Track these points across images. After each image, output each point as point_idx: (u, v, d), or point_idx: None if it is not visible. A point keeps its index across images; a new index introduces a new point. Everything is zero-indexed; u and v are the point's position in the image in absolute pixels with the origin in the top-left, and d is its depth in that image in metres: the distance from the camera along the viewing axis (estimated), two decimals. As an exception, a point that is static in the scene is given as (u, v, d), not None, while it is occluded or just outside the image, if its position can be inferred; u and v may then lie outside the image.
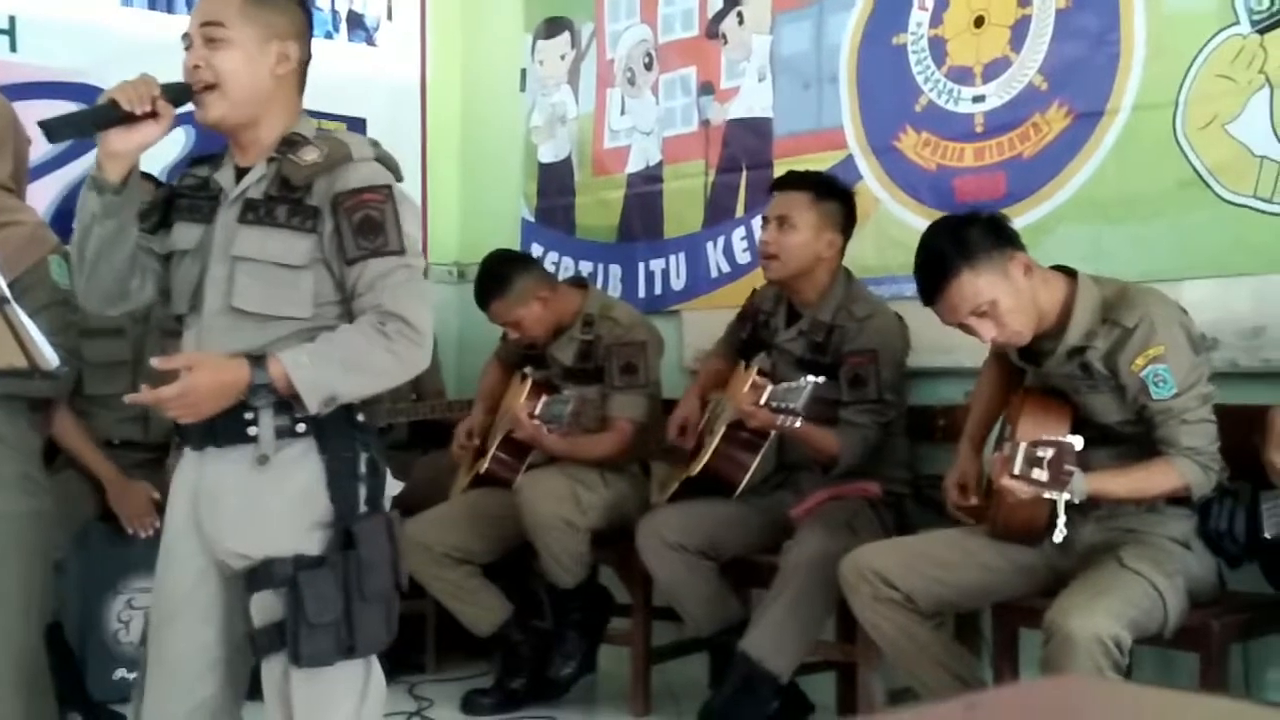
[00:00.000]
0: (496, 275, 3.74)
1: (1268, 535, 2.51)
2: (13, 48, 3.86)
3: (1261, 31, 2.94)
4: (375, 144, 2.23)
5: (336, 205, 2.10)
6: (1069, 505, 2.39)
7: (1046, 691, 1.05)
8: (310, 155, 2.13)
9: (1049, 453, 2.32)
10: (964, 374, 3.21)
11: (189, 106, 3.91)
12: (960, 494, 2.87)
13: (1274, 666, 2.80)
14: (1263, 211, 2.93)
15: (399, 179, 2.21)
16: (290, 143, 2.16)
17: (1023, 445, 2.35)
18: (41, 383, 2.39)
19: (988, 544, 2.74)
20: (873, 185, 3.66)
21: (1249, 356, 2.95)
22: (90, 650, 3.44)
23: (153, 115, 2.08)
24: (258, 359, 2.06)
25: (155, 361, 2.08)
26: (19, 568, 2.46)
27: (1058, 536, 2.37)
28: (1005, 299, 2.60)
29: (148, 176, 3.56)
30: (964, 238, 2.61)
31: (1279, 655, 2.74)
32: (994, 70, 3.42)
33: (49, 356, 2.08)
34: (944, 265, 2.61)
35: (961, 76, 3.49)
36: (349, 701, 2.12)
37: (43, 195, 3.78)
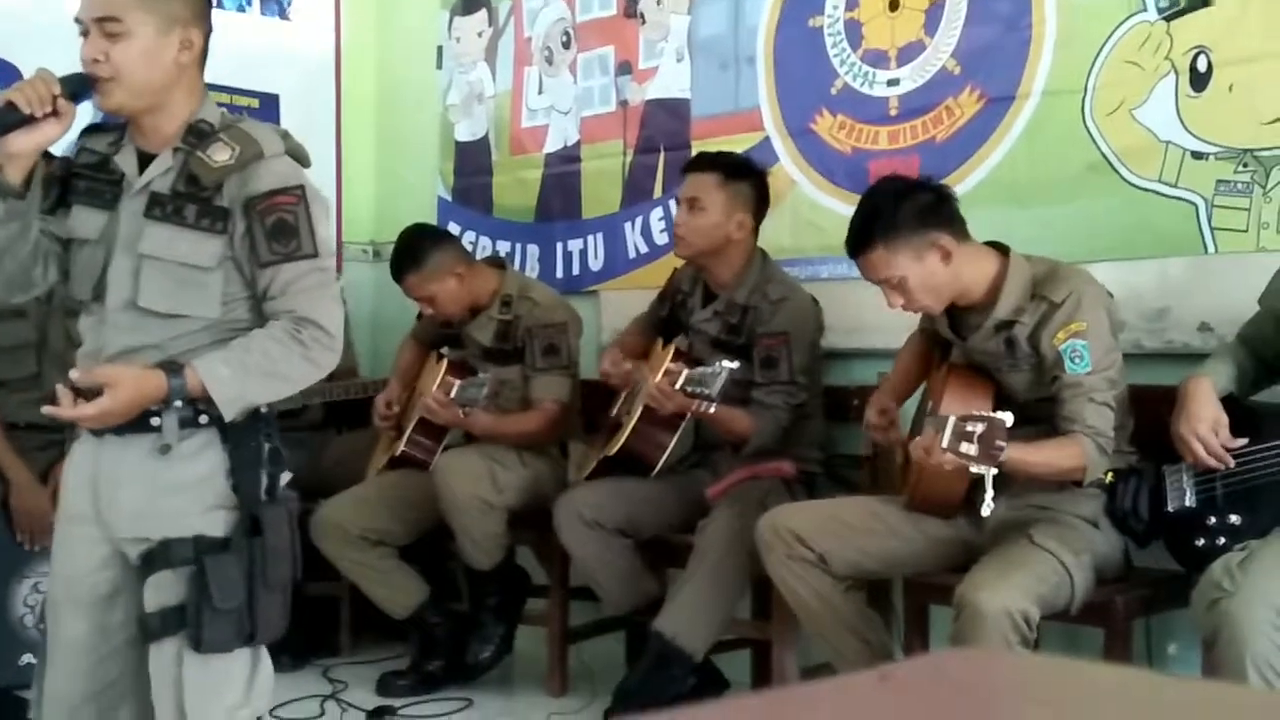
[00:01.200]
0: (412, 249, 3.71)
1: (1170, 509, 2.57)
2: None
3: (1168, 19, 2.99)
4: (285, 135, 2.20)
5: (249, 208, 2.09)
6: (995, 479, 2.42)
7: (958, 662, 1.07)
8: (221, 155, 2.10)
9: (979, 427, 2.34)
10: (878, 355, 3.25)
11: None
12: (879, 416, 2.89)
13: (1174, 639, 2.88)
14: (1167, 196, 3.00)
15: (307, 166, 2.20)
16: (198, 134, 2.12)
17: (952, 419, 2.38)
18: None
19: (903, 515, 2.79)
20: (789, 167, 3.69)
21: (1153, 338, 3.02)
22: (-10, 635, 3.37)
23: (53, 114, 2.04)
24: (174, 368, 2.05)
25: (75, 376, 2.06)
26: None
27: (986, 510, 2.40)
28: (915, 279, 2.65)
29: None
30: (891, 213, 2.66)
31: (1179, 629, 2.81)
32: (909, 54, 3.45)
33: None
34: (866, 235, 2.68)
35: (877, 60, 3.52)
36: (237, 687, 2.11)
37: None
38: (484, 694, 3.64)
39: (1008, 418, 2.35)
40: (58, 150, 2.17)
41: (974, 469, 2.37)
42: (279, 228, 2.09)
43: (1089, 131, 3.11)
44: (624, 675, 3.34)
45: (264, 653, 2.15)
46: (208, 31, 2.19)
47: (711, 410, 3.03)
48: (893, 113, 3.48)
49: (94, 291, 2.14)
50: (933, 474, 2.57)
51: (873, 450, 3.26)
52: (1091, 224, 3.12)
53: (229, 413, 2.06)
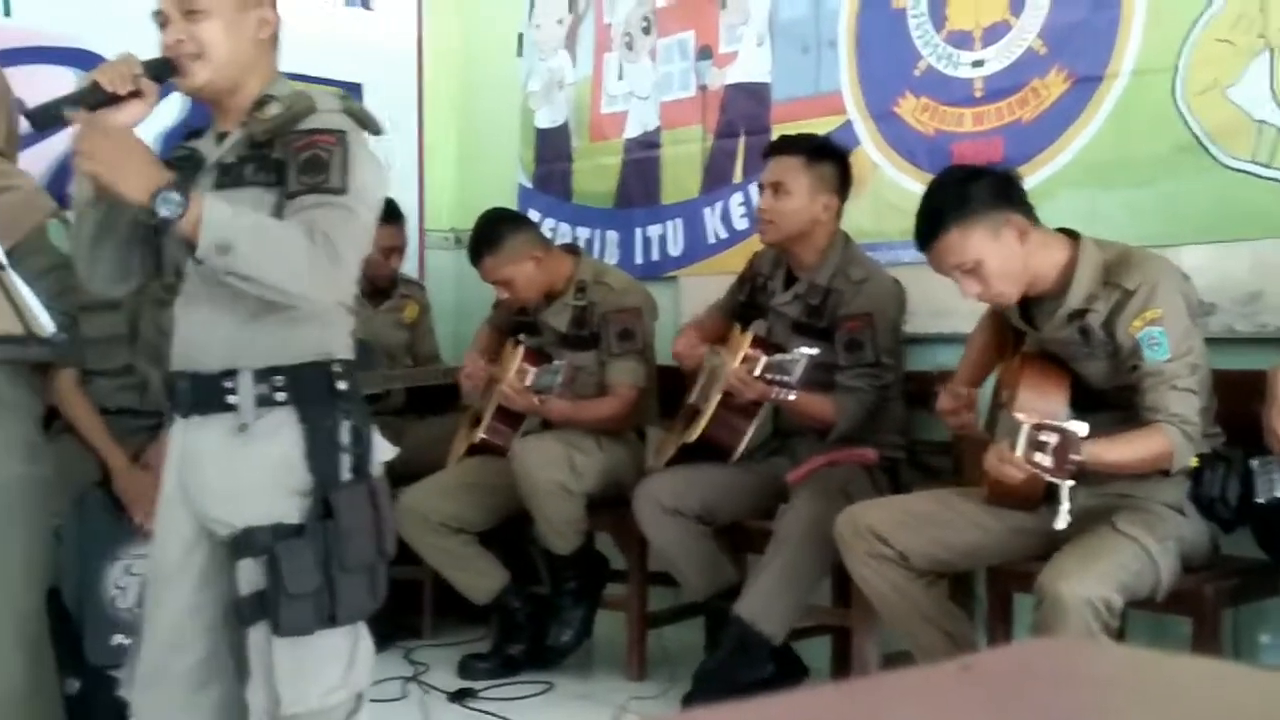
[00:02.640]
0: (490, 232, 3.73)
1: (1260, 500, 2.51)
2: (6, 12, 3.84)
3: (1262, -6, 2.92)
4: (345, 97, 2.21)
5: (288, 145, 2.08)
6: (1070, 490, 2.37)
7: (1040, 652, 1.05)
8: (272, 110, 2.11)
9: (1054, 439, 2.28)
10: (960, 340, 3.20)
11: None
12: (950, 401, 2.84)
13: (1264, 630, 2.81)
14: (1261, 176, 2.92)
15: (375, 132, 2.18)
16: (261, 104, 2.15)
17: (1026, 427, 2.32)
18: (40, 349, 2.39)
19: (982, 506, 2.75)
20: (871, 150, 3.65)
21: (1246, 322, 2.95)
22: (87, 616, 3.44)
23: (136, 94, 2.07)
24: (183, 178, 2.00)
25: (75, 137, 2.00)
26: (21, 533, 2.46)
27: (1060, 523, 2.32)
28: (992, 261, 2.59)
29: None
30: (964, 194, 2.60)
31: (1269, 619, 2.75)
32: (993, 34, 3.40)
33: (44, 323, 2.09)
34: (937, 219, 2.62)
35: (961, 41, 3.47)
36: (334, 668, 2.12)
37: (38, 160, 3.76)
38: (564, 677, 3.66)
39: (1082, 428, 2.29)
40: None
41: (1048, 479, 2.32)
42: (310, 161, 2.05)
43: (1179, 111, 3.04)
44: (703, 660, 3.33)
45: (363, 632, 2.16)
46: (277, 11, 2.22)
47: (791, 398, 3.01)
48: (977, 94, 3.43)
49: (177, 270, 2.19)
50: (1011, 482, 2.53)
51: (956, 436, 3.22)
52: (1182, 206, 3.06)
53: (206, 238, 1.92)
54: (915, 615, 2.78)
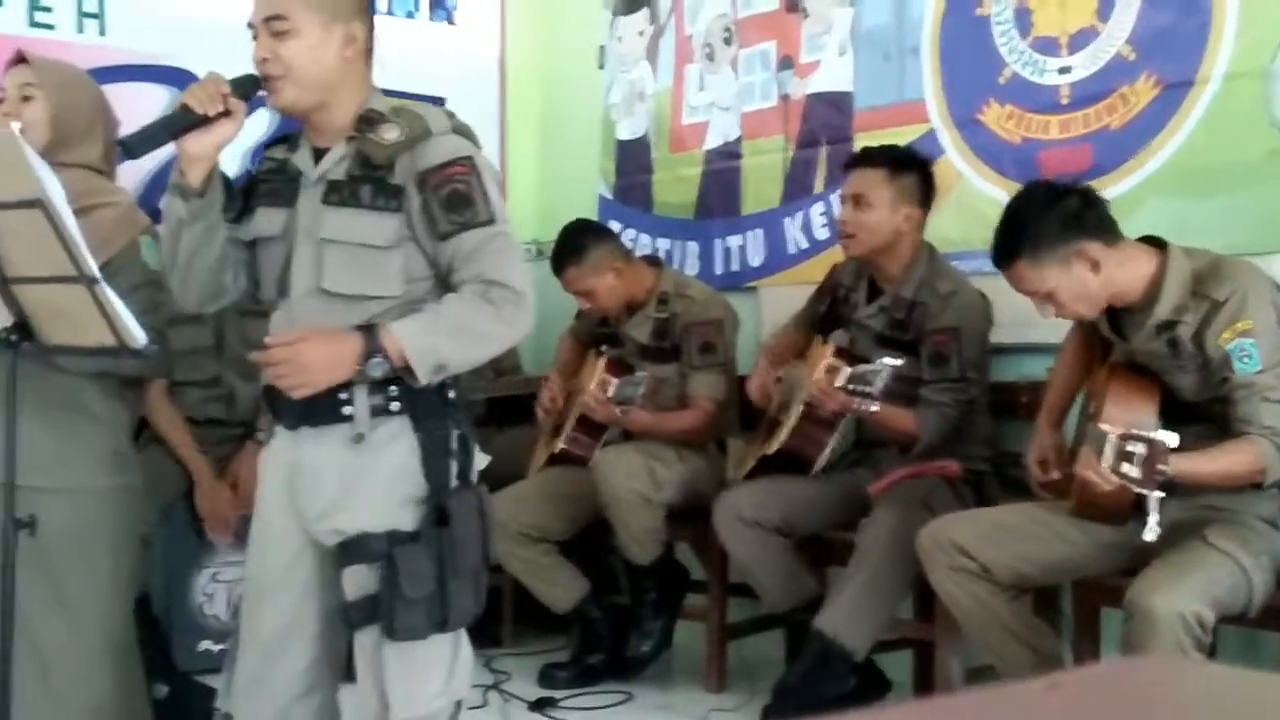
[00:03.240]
0: (573, 243, 3.75)
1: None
2: (102, 32, 3.93)
3: (1360, -4, 2.85)
4: (451, 115, 2.22)
5: (423, 182, 2.10)
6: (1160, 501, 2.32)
7: (1129, 671, 1.03)
8: (391, 134, 2.12)
9: (1141, 449, 2.24)
10: (1047, 350, 3.16)
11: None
12: (1042, 469, 2.83)
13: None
14: (1359, 183, 2.85)
15: (478, 148, 2.21)
16: (368, 120, 2.16)
17: (1113, 437, 2.28)
18: (132, 361, 2.44)
19: (1069, 519, 2.70)
20: (955, 159, 3.61)
21: (1343, 332, 2.86)
22: (176, 623, 3.52)
23: (225, 114, 2.10)
24: (369, 329, 2.07)
25: (269, 340, 2.09)
26: (110, 542, 2.51)
27: (1149, 535, 2.27)
28: (1063, 291, 2.59)
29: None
30: (1035, 226, 2.58)
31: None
32: (1081, 40, 3.35)
33: (137, 335, 2.13)
34: (1007, 250, 2.63)
35: (1047, 47, 3.42)
36: (439, 673, 2.14)
37: (131, 176, 3.85)
38: (643, 688, 3.65)
39: (1170, 439, 2.24)
40: (230, 155, 2.24)
41: (1136, 490, 2.28)
42: (454, 198, 2.09)
43: (1272, 116, 2.97)
44: (783, 673, 3.31)
45: (464, 639, 2.18)
46: (370, 26, 2.23)
47: (873, 409, 2.99)
48: (1064, 101, 3.38)
49: (279, 287, 2.20)
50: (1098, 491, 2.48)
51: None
52: (1274, 213, 2.98)
53: (422, 368, 2.04)
54: (999, 630, 2.74)
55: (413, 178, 2.11)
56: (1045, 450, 2.84)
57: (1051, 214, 2.58)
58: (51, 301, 2.16)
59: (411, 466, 2.12)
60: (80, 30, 3.90)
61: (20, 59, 2.55)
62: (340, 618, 2.15)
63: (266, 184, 2.24)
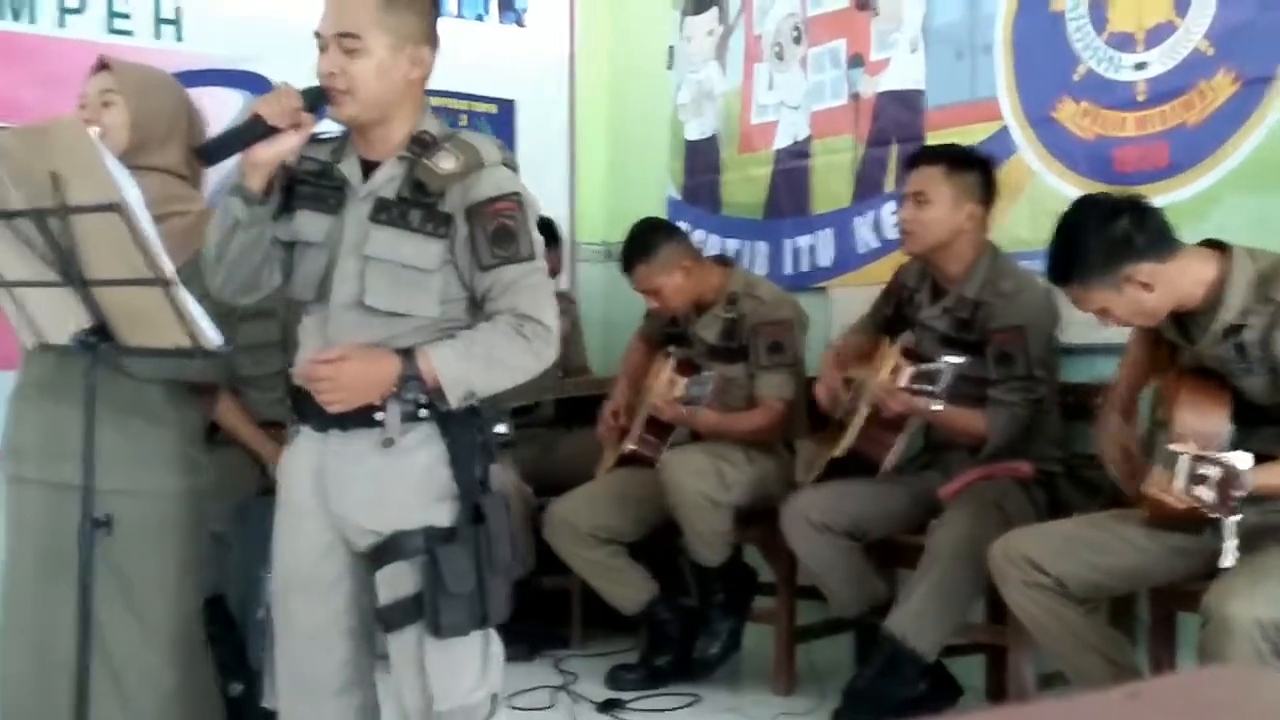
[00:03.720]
0: (643, 241, 3.76)
1: None
2: (179, 37, 4.00)
3: None
4: (500, 146, 2.26)
5: (471, 214, 2.16)
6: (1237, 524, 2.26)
7: (1210, 680, 1.01)
8: (447, 163, 2.17)
9: (1215, 472, 2.19)
10: (1117, 350, 3.09)
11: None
12: (1125, 462, 2.76)
13: None
14: None
15: (515, 171, 2.26)
16: (421, 143, 2.20)
17: (1186, 459, 2.23)
18: (203, 365, 2.47)
19: (1142, 528, 2.65)
20: (1029, 156, 3.57)
21: None
22: (249, 622, 3.55)
23: (294, 125, 2.15)
24: (406, 353, 2.13)
25: (311, 356, 2.16)
26: (177, 544, 2.55)
27: (1227, 561, 2.22)
28: (1117, 309, 2.58)
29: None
30: (1083, 253, 2.56)
31: None
32: (1157, 36, 3.29)
33: (211, 336, 2.16)
34: (1059, 274, 2.64)
35: (1122, 43, 3.37)
36: (472, 668, 2.18)
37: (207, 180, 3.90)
38: (712, 690, 3.64)
39: (1244, 461, 2.18)
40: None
41: (1210, 515, 2.23)
42: (501, 233, 2.16)
43: (1357, 112, 2.90)
44: (853, 676, 3.29)
45: (493, 634, 2.22)
46: (435, 49, 2.26)
47: (937, 407, 2.96)
48: (1140, 98, 3.33)
49: (317, 292, 2.23)
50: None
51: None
52: (1359, 211, 2.91)
53: (454, 394, 2.12)
54: (1074, 642, 2.70)
55: (462, 209, 2.17)
56: (1124, 440, 2.77)
57: (1099, 239, 2.55)
58: (129, 304, 2.20)
59: (440, 469, 2.17)
60: (157, 36, 3.96)
61: (102, 65, 2.59)
62: (376, 620, 2.19)
63: (309, 186, 2.26)
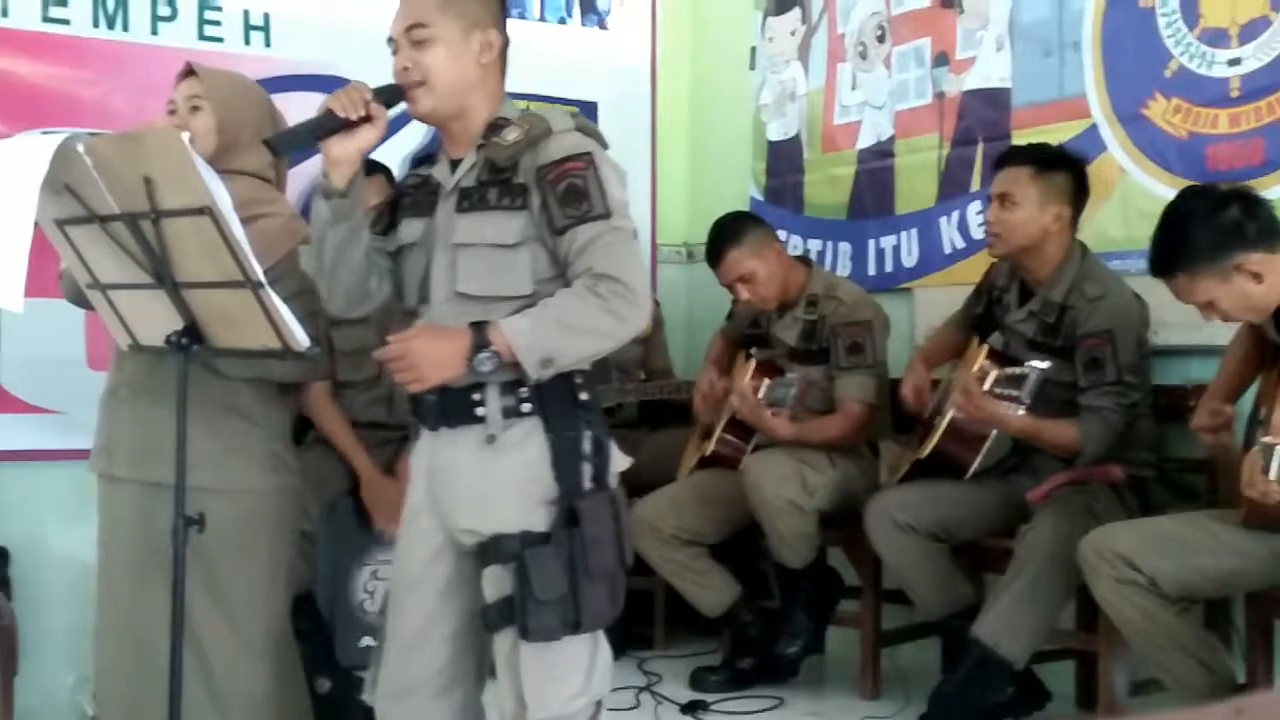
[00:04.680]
0: (732, 227, 3.74)
1: None
2: (267, 43, 4.06)
3: None
4: (576, 115, 2.25)
5: (540, 178, 2.14)
6: None
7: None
8: (512, 135, 2.17)
9: None
10: (1213, 352, 3.03)
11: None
12: (1208, 418, 2.71)
13: None
14: None
15: (605, 147, 2.23)
16: (495, 127, 2.21)
17: (1279, 449, 2.19)
18: (290, 366, 2.51)
19: (1239, 529, 2.59)
20: (1118, 155, 3.50)
21: None
22: (338, 619, 3.60)
23: (368, 119, 2.16)
24: (479, 325, 2.11)
25: (389, 338, 2.15)
26: (268, 542, 2.59)
27: None
28: (1224, 301, 2.53)
29: (382, 169, 3.71)
30: (1192, 240, 2.51)
31: None
32: (1252, 31, 3.22)
33: (300, 338, 2.19)
34: (1163, 264, 2.59)
35: (1215, 39, 3.29)
36: (577, 675, 2.15)
37: (293, 183, 3.96)
38: (795, 693, 3.62)
39: None
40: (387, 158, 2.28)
41: None
42: (570, 192, 2.12)
43: None
44: (939, 681, 3.25)
45: (602, 640, 2.19)
46: (505, 33, 2.27)
47: (1020, 413, 2.91)
48: (1234, 94, 3.25)
49: (420, 293, 2.25)
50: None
51: (1211, 454, 3.04)
52: None
53: (529, 362, 2.07)
54: (1167, 643, 2.64)
55: (533, 175, 2.15)
56: (1212, 403, 2.72)
57: (1209, 226, 2.50)
58: (219, 306, 2.24)
59: (542, 468, 2.14)
60: (247, 42, 4.02)
61: (189, 71, 2.64)
62: (480, 620, 2.18)
63: (410, 198, 2.31)
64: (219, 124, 2.58)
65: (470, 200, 2.19)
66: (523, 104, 2.29)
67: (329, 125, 2.16)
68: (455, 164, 2.24)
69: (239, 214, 2.14)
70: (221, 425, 2.52)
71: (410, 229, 2.27)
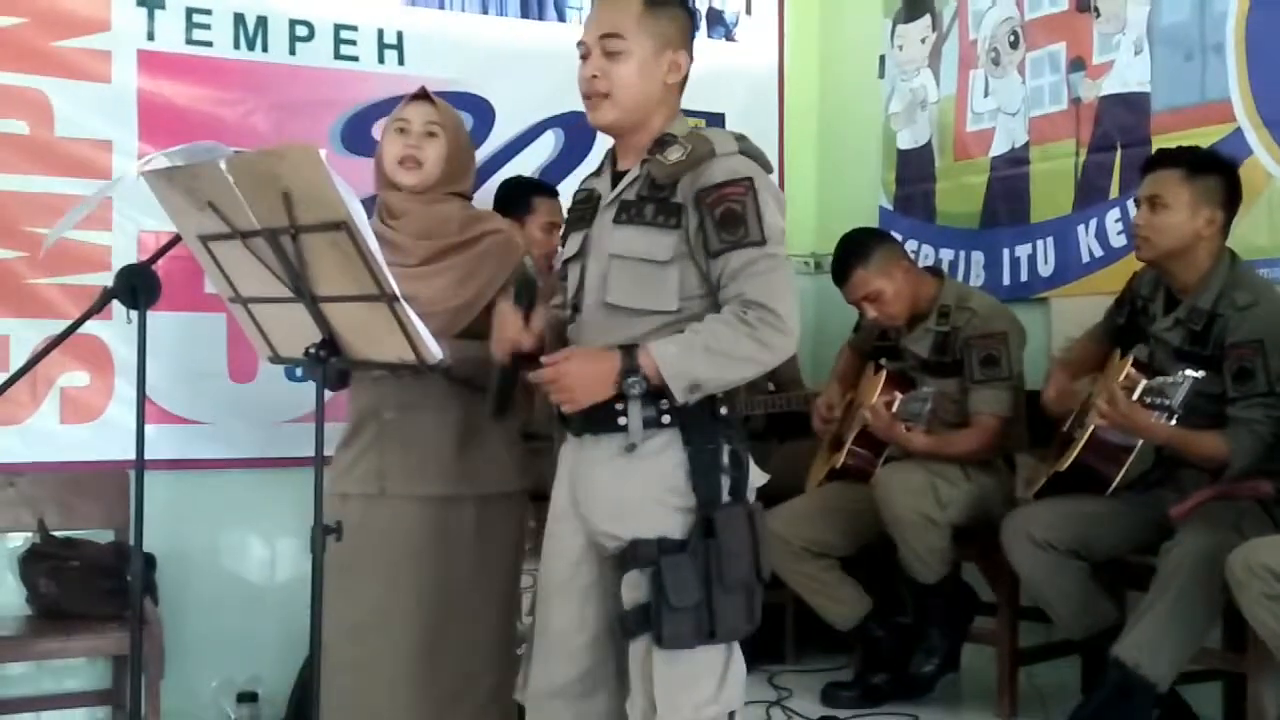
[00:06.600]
0: (859, 245, 3.70)
1: None
2: (400, 61, 4.14)
3: None
4: (741, 138, 2.26)
5: (699, 201, 2.17)
6: None
7: None
8: (674, 154, 2.20)
9: None
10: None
11: (563, 108, 4.03)
12: None
13: None
14: None
15: (768, 170, 2.25)
16: (660, 143, 2.24)
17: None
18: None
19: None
20: (1264, 159, 3.39)
21: None
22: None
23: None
24: (629, 349, 2.15)
25: (536, 373, 2.21)
26: (504, 546, 2.72)
27: None
28: None
29: (545, 187, 3.80)
30: None
31: None
32: None
33: (434, 350, 2.24)
34: None
35: (1368, 37, 3.17)
36: (708, 684, 2.16)
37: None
38: (930, 711, 3.56)
39: None
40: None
41: None
42: (727, 217, 2.15)
43: None
44: (1079, 702, 3.17)
45: (737, 651, 2.21)
46: (692, 55, 2.31)
47: (1171, 423, 2.83)
48: (1387, 94, 3.12)
49: (574, 301, 2.32)
50: None
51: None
52: None
53: (676, 387, 2.11)
54: (1323, 665, 2.54)
55: (691, 196, 2.18)
56: None
57: None
58: (355, 318, 2.29)
59: (679, 478, 2.17)
60: (381, 61, 4.11)
61: (425, 95, 2.76)
62: (618, 625, 2.21)
63: (575, 211, 2.38)
64: (449, 152, 2.71)
65: (628, 213, 2.23)
66: (694, 121, 2.33)
67: (509, 378, 2.37)
68: (618, 176, 2.29)
69: (464, 233, 2.37)
70: (487, 434, 2.65)
71: (572, 241, 2.34)
